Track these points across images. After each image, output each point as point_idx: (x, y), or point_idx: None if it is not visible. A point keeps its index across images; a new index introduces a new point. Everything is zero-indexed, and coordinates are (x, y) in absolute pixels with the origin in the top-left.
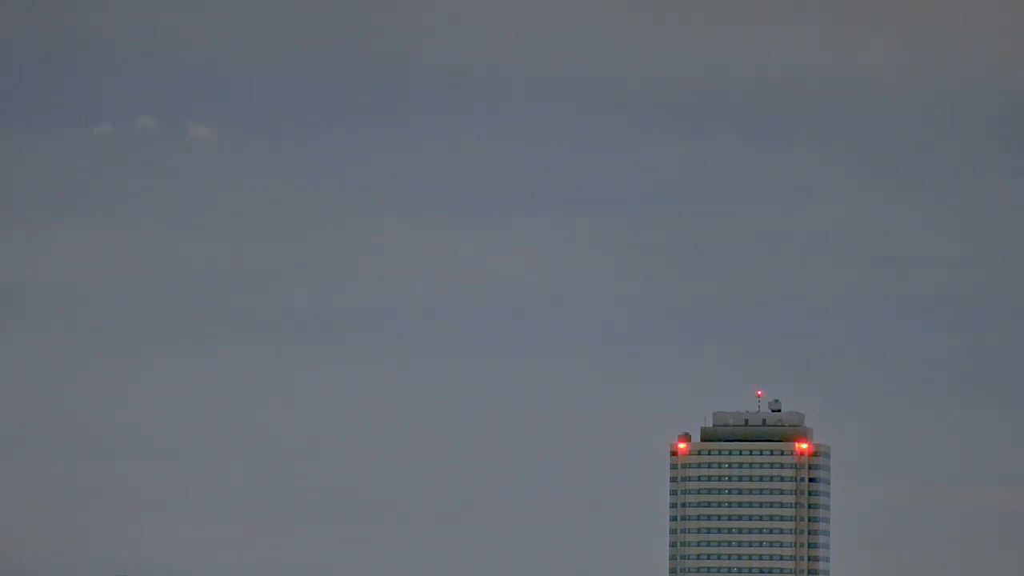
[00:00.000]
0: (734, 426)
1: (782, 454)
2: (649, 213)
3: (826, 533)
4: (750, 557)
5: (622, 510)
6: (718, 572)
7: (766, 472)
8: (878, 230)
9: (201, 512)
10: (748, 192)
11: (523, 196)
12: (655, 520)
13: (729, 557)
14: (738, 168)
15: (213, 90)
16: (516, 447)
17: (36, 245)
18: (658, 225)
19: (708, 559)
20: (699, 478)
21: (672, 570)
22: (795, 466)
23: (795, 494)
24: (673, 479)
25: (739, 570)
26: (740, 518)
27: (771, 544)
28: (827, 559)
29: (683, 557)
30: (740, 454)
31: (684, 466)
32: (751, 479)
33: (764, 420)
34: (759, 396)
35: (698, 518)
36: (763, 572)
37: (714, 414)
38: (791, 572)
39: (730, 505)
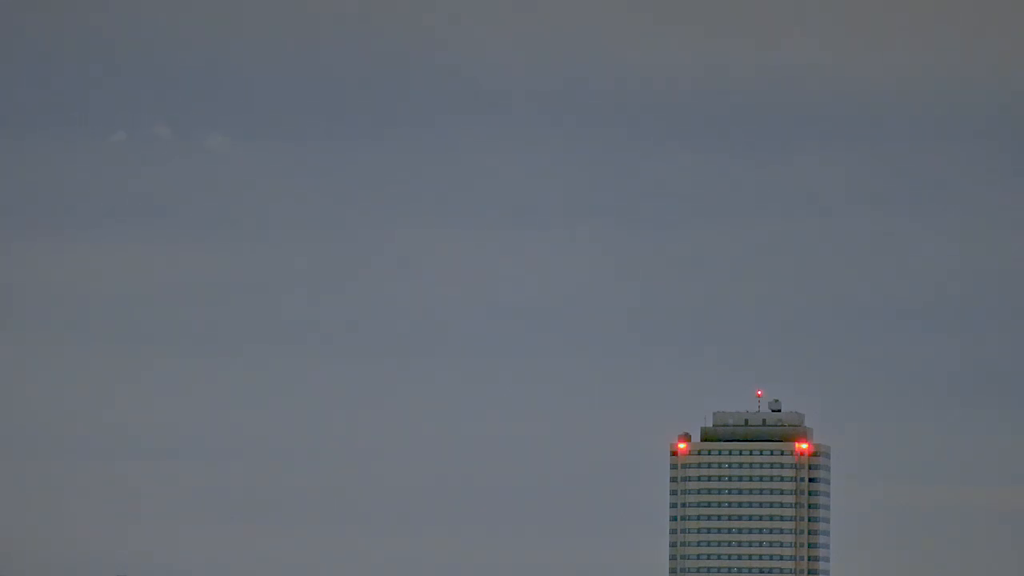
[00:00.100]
0: (734, 426)
1: (782, 454)
2: (649, 214)
3: (826, 533)
4: (750, 557)
5: (622, 510)
6: (718, 572)
7: (766, 472)
8: (878, 231)
9: (201, 512)
10: (748, 193)
11: (523, 197)
12: (655, 520)
13: (729, 557)
14: (738, 169)
15: (213, 91)
16: (516, 447)
17: (37, 248)
18: (658, 226)
19: (708, 559)
20: (699, 478)
21: (672, 570)
22: (795, 466)
23: (795, 494)
24: (673, 479)
25: (739, 570)
26: (740, 518)
27: (771, 544)
28: (827, 559)
29: (683, 557)
30: (740, 454)
31: (684, 466)
32: (751, 479)
33: (764, 420)
34: (759, 396)
35: (698, 518)
36: (763, 572)
37: (714, 414)
38: (791, 572)
39: (730, 505)
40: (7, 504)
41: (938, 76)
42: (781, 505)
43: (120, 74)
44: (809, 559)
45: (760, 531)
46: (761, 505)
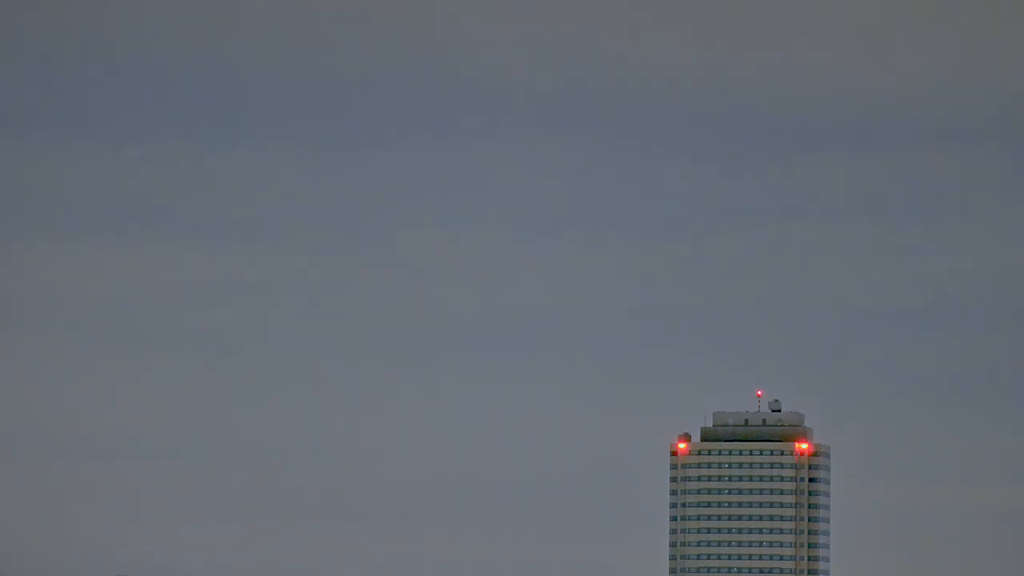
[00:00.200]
0: (734, 426)
1: (782, 454)
2: (649, 214)
3: (826, 533)
4: (750, 557)
5: (622, 510)
6: (718, 572)
7: (766, 472)
8: (878, 231)
9: (201, 512)
10: (748, 193)
11: (523, 197)
12: (655, 520)
13: (729, 557)
14: (738, 169)
15: (213, 91)
16: (516, 447)
17: (37, 248)
18: (658, 226)
19: (708, 559)
20: (699, 478)
21: (672, 570)
22: (795, 466)
23: (795, 494)
24: (673, 479)
25: (739, 570)
26: (740, 518)
27: (771, 544)
28: (827, 559)
29: (683, 557)
30: (740, 454)
31: (684, 466)
32: (751, 479)
33: (764, 420)
34: (759, 396)
35: (698, 518)
36: (763, 572)
37: (714, 414)
38: (791, 572)
39: (730, 505)
40: (7, 504)
41: (938, 77)
42: (781, 505)
43: (120, 74)
44: (809, 559)
45: (760, 531)
46: (761, 505)
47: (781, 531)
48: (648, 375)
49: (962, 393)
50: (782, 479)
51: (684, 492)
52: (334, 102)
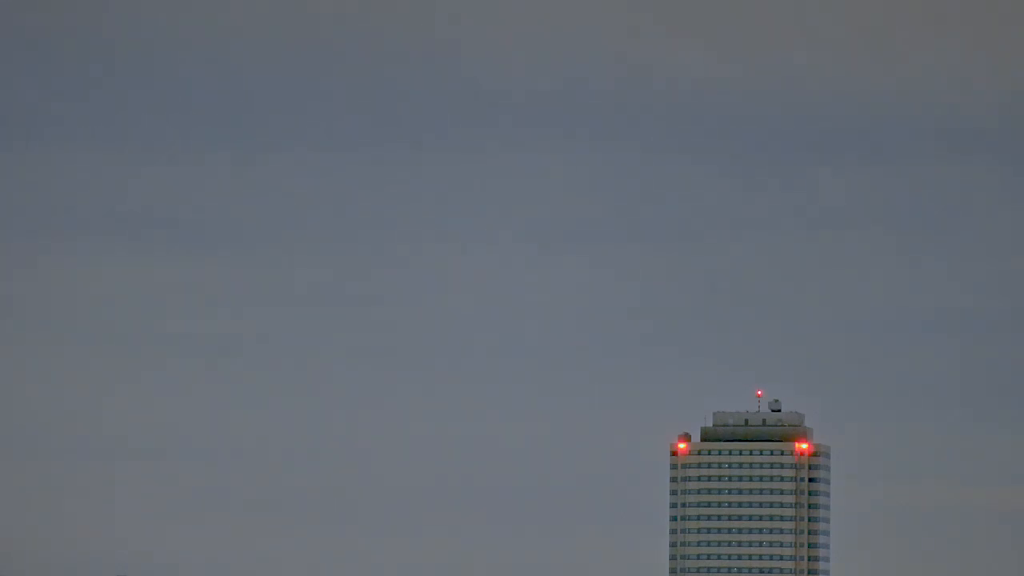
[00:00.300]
0: (734, 426)
1: (782, 454)
2: (649, 214)
3: (826, 533)
4: (750, 557)
5: (622, 510)
6: (718, 572)
7: (766, 472)
8: (878, 231)
9: (201, 512)
10: (748, 193)
11: (523, 197)
12: (655, 520)
13: (729, 557)
14: (738, 169)
15: (213, 91)
16: (516, 447)
17: (37, 248)
18: (658, 226)
19: (708, 559)
20: (699, 478)
21: (672, 570)
22: (795, 466)
23: (795, 494)
24: (673, 479)
25: (739, 570)
26: (740, 518)
27: (771, 544)
28: (827, 559)
29: (683, 557)
30: (740, 454)
31: (684, 466)
32: (751, 479)
33: (764, 420)
34: (759, 396)
35: (698, 518)
36: (763, 572)
37: (714, 414)
38: (791, 572)
39: (730, 505)
40: (7, 504)
41: (939, 78)
42: (781, 505)
43: (120, 74)
44: (809, 559)
45: (760, 531)
46: (761, 505)
47: (781, 531)
48: (648, 375)
49: (962, 393)
50: (782, 479)
51: (684, 492)
52: (334, 102)
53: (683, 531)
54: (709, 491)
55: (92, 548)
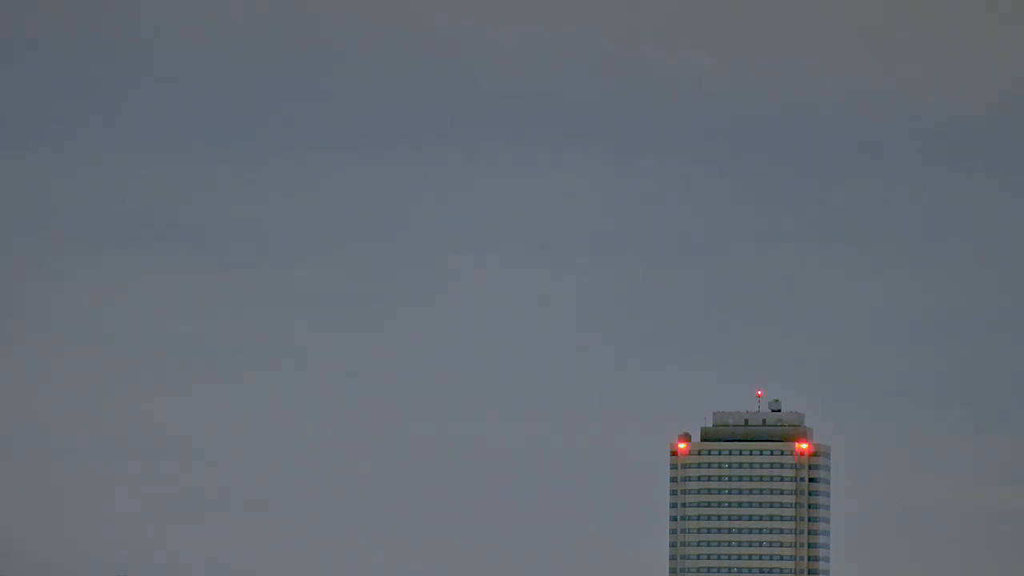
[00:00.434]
0: (734, 426)
1: (782, 454)
2: (649, 214)
3: (826, 533)
4: (750, 557)
5: (622, 510)
6: (718, 572)
7: (766, 472)
8: (879, 232)
9: (201, 512)
10: (748, 194)
11: (523, 198)
12: (655, 520)
13: (729, 557)
14: (738, 169)
15: (213, 91)
16: (516, 447)
17: (37, 248)
18: (658, 226)
19: (708, 559)
20: (699, 478)
21: (672, 570)
22: (795, 466)
23: (795, 494)
24: (673, 479)
25: (739, 570)
26: (740, 518)
27: (771, 544)
28: (827, 559)
29: (683, 557)
30: (740, 454)
31: (684, 466)
32: (751, 479)
33: (764, 420)
34: (759, 396)
35: (698, 518)
36: (763, 572)
37: (714, 414)
38: (791, 572)
39: (730, 505)
40: (7, 504)
41: (942, 83)
42: (781, 505)
43: (120, 74)
44: (809, 559)
45: (760, 531)
46: (761, 505)
47: (781, 531)
48: (648, 375)
49: (962, 393)
50: (782, 479)
51: (684, 492)
52: (334, 102)
53: (683, 531)
54: (709, 491)
55: (92, 548)
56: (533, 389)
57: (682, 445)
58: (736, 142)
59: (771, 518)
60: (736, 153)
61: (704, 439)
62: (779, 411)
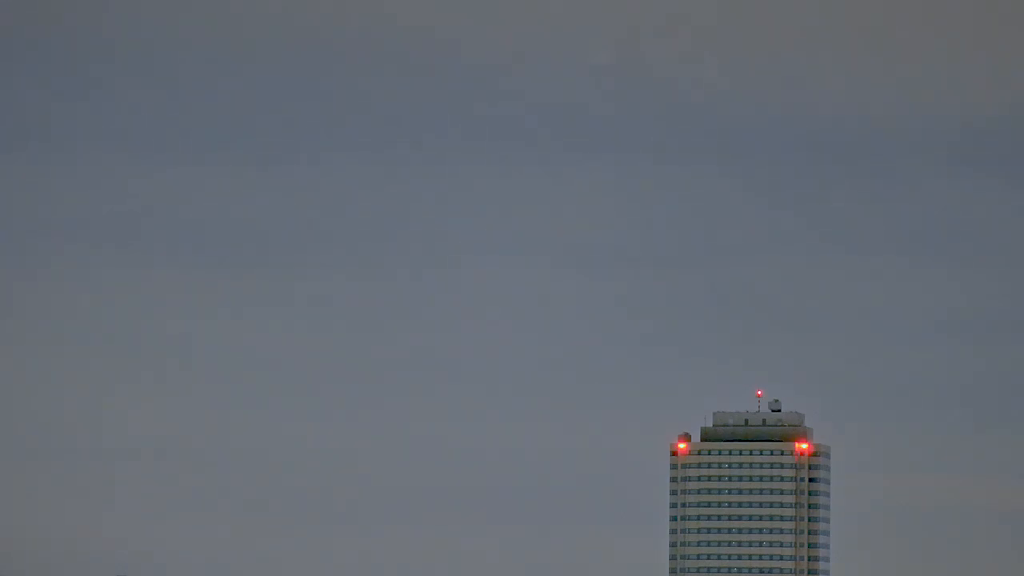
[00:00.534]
0: (734, 426)
1: (782, 454)
2: (649, 214)
3: (826, 533)
4: (750, 557)
5: (622, 510)
6: (718, 572)
7: (766, 472)
8: (879, 232)
9: (201, 512)
10: (748, 194)
11: (522, 198)
12: (655, 520)
13: (729, 557)
14: (738, 169)
15: (213, 91)
16: (516, 447)
17: (37, 248)
18: (658, 226)
19: (708, 559)
20: (699, 478)
21: (672, 570)
22: (795, 466)
23: (795, 494)
24: (673, 479)
25: (739, 570)
26: (740, 518)
27: (771, 544)
28: (827, 559)
29: (683, 557)
30: (740, 454)
31: (684, 466)
32: (751, 479)
33: (764, 420)
34: (759, 396)
35: (698, 518)
36: (763, 572)
37: (714, 414)
38: (791, 572)
39: (730, 505)
40: (7, 504)
41: (942, 83)
42: (781, 505)
43: (120, 74)
44: (809, 559)
45: (760, 531)
46: (761, 505)
47: (781, 531)
48: (648, 375)
49: (962, 393)
50: (782, 479)
51: (684, 492)
52: (334, 102)
53: (683, 531)
54: (709, 491)
55: (92, 548)
56: (533, 389)
57: (682, 445)
58: (736, 142)
59: (771, 518)
60: (736, 153)
61: (704, 439)
62: (779, 411)
